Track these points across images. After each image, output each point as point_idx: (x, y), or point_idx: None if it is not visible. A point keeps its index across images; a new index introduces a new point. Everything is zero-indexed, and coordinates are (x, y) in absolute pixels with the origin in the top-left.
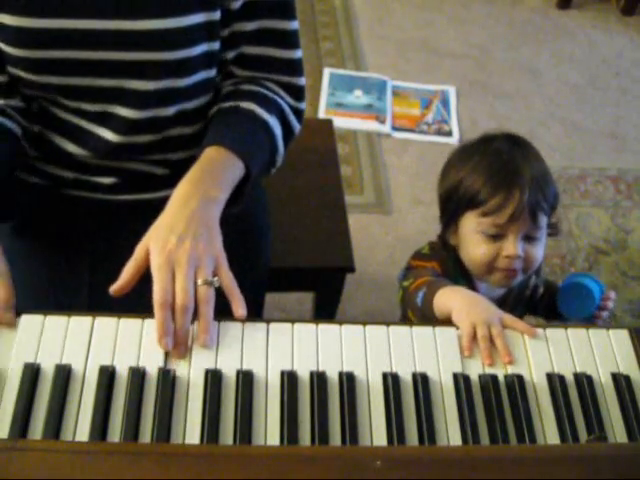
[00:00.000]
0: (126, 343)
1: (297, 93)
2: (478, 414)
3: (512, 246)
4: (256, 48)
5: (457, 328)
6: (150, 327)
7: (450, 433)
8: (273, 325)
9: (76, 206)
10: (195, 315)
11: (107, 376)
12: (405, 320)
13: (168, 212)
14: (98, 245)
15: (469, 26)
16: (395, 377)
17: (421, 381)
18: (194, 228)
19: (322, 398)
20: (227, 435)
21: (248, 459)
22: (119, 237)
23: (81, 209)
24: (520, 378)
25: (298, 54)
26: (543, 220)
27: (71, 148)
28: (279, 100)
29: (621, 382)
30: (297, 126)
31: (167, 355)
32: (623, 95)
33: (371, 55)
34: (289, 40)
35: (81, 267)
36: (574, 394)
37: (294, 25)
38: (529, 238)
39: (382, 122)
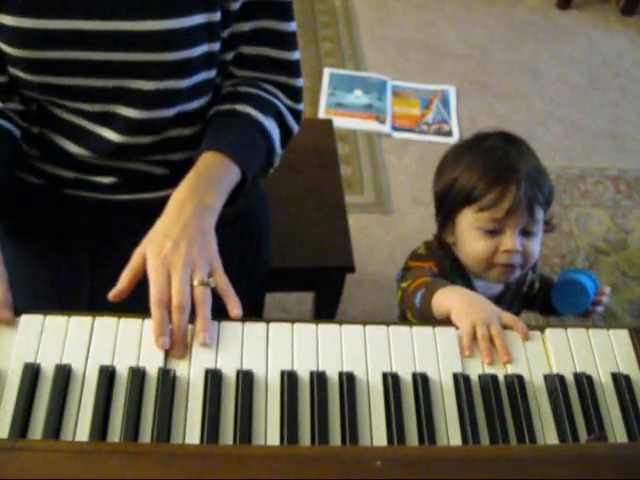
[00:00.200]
0: (126, 343)
1: (295, 94)
2: (478, 414)
3: (510, 241)
4: (254, 48)
5: (456, 328)
6: (150, 327)
7: (450, 433)
8: (273, 325)
9: (76, 206)
10: (193, 316)
11: (107, 376)
12: (403, 319)
13: (164, 218)
14: (98, 245)
15: (469, 26)
16: (395, 377)
17: (421, 381)
18: (189, 233)
19: (322, 398)
20: (227, 435)
21: (248, 459)
22: (119, 237)
23: (81, 209)
24: (520, 378)
25: (296, 55)
26: (540, 214)
27: (72, 148)
28: (276, 102)
29: (621, 382)
30: (295, 127)
31: (167, 355)
32: (623, 95)
33: (371, 55)
34: (287, 41)
35: (81, 267)
36: (574, 394)
37: (292, 27)
38: (526, 233)
39: (382, 122)
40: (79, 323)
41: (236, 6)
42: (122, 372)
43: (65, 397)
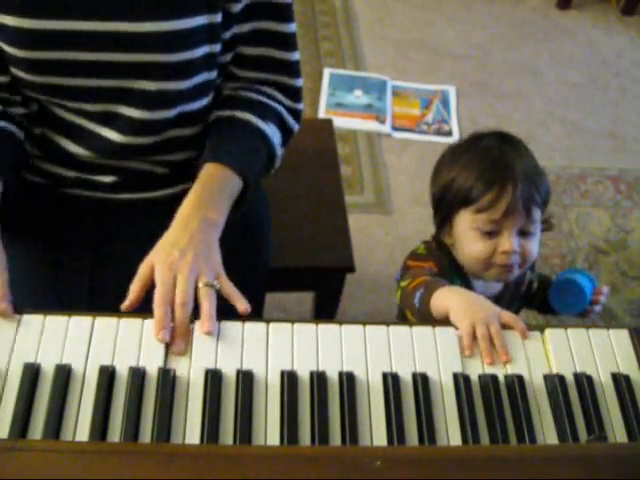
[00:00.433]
0: (126, 343)
1: (294, 94)
2: (478, 414)
3: (508, 242)
4: (255, 49)
5: (456, 328)
6: (150, 327)
7: (450, 433)
8: (273, 325)
9: (76, 205)
10: (197, 314)
11: (107, 376)
12: (402, 319)
13: (171, 231)
14: (98, 243)
15: (469, 26)
16: (395, 377)
17: (421, 381)
18: (195, 244)
19: (322, 398)
20: (227, 435)
21: (248, 459)
22: (119, 235)
23: (81, 208)
24: (520, 378)
25: (295, 56)
26: (537, 214)
27: (74, 148)
28: (276, 105)
29: (621, 382)
30: (295, 126)
31: (167, 355)
32: (623, 95)
33: (371, 55)
34: (287, 42)
35: (82, 266)
36: (574, 394)
37: (292, 28)
38: (524, 233)
39: (382, 122)
40: (79, 323)
41: (237, 8)
42: (122, 372)
43: (65, 397)
